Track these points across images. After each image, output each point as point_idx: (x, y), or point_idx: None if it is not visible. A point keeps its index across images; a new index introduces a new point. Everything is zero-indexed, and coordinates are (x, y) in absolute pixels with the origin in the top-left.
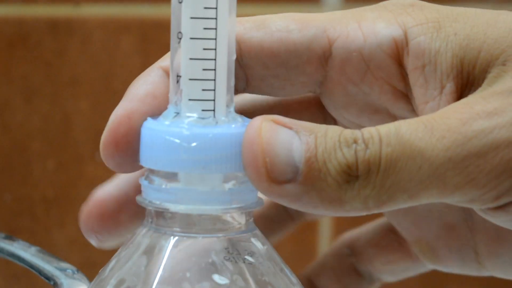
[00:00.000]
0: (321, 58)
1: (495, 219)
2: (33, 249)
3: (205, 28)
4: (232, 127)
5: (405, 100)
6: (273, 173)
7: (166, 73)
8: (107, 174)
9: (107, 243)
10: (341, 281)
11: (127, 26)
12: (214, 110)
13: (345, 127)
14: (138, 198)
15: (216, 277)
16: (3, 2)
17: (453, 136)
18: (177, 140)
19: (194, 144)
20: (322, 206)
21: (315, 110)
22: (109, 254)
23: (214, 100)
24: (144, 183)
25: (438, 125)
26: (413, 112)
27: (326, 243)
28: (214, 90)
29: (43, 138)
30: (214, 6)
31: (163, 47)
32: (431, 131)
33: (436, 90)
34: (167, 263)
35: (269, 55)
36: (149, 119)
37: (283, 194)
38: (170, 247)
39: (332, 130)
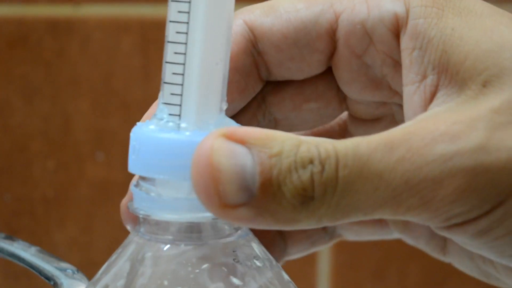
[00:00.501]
0: (329, 32)
1: (446, 235)
2: (33, 249)
3: (177, 32)
4: (186, 134)
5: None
6: (226, 199)
7: None
8: (107, 174)
9: None
10: (306, 231)
11: (127, 26)
12: (179, 115)
13: (353, 102)
14: (129, 204)
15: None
16: (3, 2)
17: (412, 158)
18: (134, 143)
19: (140, 147)
20: (276, 226)
21: (329, 81)
22: (109, 254)
23: (180, 105)
24: (133, 189)
25: (399, 144)
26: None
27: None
28: (181, 95)
29: (43, 138)
30: (187, 11)
31: (163, 47)
32: (390, 151)
33: (418, 76)
34: (147, 270)
35: (280, 37)
36: (139, 123)
37: (237, 217)
38: (154, 254)
39: (288, 147)
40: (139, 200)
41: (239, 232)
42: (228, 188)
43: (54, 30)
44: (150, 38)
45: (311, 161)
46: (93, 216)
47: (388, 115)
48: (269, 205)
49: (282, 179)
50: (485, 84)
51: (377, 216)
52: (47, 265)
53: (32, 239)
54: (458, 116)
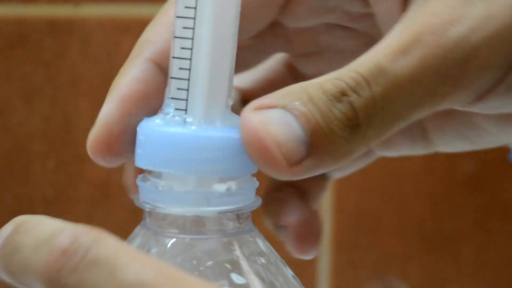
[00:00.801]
0: None
1: (476, 107)
2: None
3: (184, 27)
4: (192, 128)
5: None
6: (291, 159)
7: (155, 64)
8: (107, 174)
9: (114, 164)
10: None
11: (127, 26)
12: (185, 110)
13: (298, 38)
14: (134, 198)
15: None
16: (3, 2)
17: (433, 52)
18: (140, 137)
19: (147, 141)
20: (336, 164)
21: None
22: None
23: (186, 100)
24: (139, 183)
25: (415, 45)
26: (367, 7)
27: (326, 240)
28: (187, 90)
29: (43, 138)
30: (194, 6)
31: None
32: (411, 54)
33: None
34: None
35: None
36: (146, 118)
37: (305, 170)
38: (162, 249)
39: (313, 91)
40: (146, 193)
41: (244, 227)
42: (289, 148)
43: (54, 30)
44: None
45: (343, 93)
46: (93, 216)
47: (331, 45)
48: (326, 147)
49: (327, 119)
50: None
51: (416, 117)
52: None
53: None
54: (446, 1)
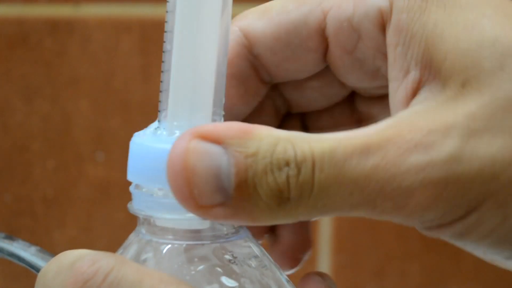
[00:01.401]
0: (318, 31)
1: (427, 235)
2: (33, 249)
3: (164, 42)
4: (154, 139)
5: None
6: (201, 201)
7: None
8: (107, 174)
9: None
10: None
11: (127, 26)
12: (159, 121)
13: (355, 89)
14: (128, 205)
15: (224, 279)
16: (3, 2)
17: (387, 167)
18: (130, 151)
19: (131, 156)
20: (253, 223)
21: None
22: None
23: (160, 111)
24: (133, 190)
25: (375, 151)
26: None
27: (326, 240)
28: (160, 101)
29: (43, 138)
30: (170, 30)
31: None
32: (366, 158)
33: (401, 73)
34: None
35: (272, 40)
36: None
37: (214, 216)
38: (156, 254)
39: (265, 147)
40: (140, 201)
41: (238, 232)
42: (203, 190)
43: (54, 30)
44: (150, 38)
45: (287, 164)
46: (93, 216)
47: None
48: (245, 206)
49: (258, 180)
50: (464, 85)
51: (353, 215)
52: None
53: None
54: (434, 122)
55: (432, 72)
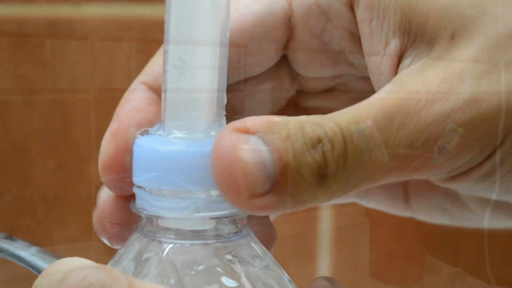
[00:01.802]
0: (284, 19)
1: (449, 185)
2: (33, 249)
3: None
4: (173, 143)
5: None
6: (254, 190)
7: (148, 87)
8: None
9: (118, 244)
10: None
11: (127, 26)
12: (161, 122)
13: (307, 79)
14: (131, 204)
15: (224, 279)
16: (3, 2)
17: (413, 123)
18: (134, 154)
19: (134, 157)
20: (295, 208)
21: (279, 64)
22: (109, 254)
23: (162, 112)
24: (136, 190)
25: (396, 111)
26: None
27: (326, 240)
28: (162, 102)
29: (43, 138)
30: (168, 30)
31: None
32: (390, 120)
33: (381, 45)
34: (152, 270)
35: (236, 34)
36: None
37: (264, 205)
38: (159, 254)
39: (293, 129)
40: (142, 200)
41: (240, 232)
42: (255, 179)
43: (54, 30)
44: (150, 38)
45: (320, 140)
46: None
47: (341, 84)
48: (290, 189)
49: (298, 162)
50: (453, 36)
51: (384, 182)
52: (47, 265)
53: (32, 239)
54: (442, 72)
55: (413, 36)
